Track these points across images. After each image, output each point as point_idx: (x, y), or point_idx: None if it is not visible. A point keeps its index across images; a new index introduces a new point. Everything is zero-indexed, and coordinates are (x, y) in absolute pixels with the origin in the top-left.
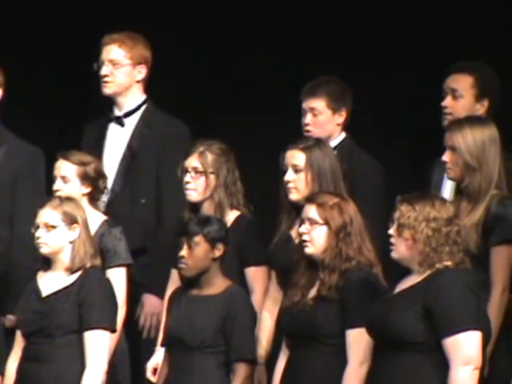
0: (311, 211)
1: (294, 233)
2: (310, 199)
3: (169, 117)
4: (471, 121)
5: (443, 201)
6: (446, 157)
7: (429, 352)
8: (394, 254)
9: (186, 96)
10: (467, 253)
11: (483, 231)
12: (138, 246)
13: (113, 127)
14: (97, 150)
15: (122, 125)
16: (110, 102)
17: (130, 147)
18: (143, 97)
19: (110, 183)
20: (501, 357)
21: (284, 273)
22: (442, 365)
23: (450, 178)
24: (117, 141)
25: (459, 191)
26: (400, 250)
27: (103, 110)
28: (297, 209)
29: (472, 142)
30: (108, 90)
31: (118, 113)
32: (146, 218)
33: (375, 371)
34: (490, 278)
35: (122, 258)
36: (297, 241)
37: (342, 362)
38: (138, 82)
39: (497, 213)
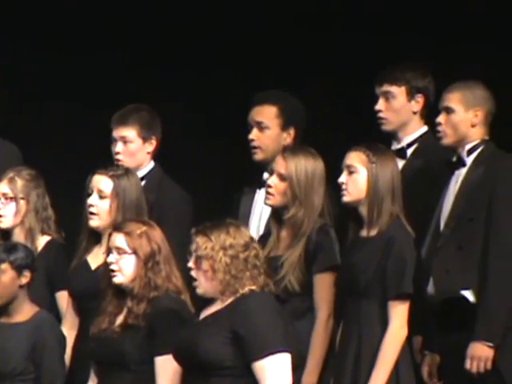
0: (119, 240)
1: (90, 258)
2: (117, 228)
3: (1, 140)
4: (305, 151)
5: (237, 226)
6: (272, 181)
7: (239, 376)
8: (198, 291)
9: None
10: (296, 279)
11: (306, 260)
12: None
13: None
14: None
15: None
16: None
17: None
18: None
19: None
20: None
21: (79, 298)
22: None
23: (269, 205)
24: None
25: (278, 219)
26: (201, 282)
27: None
28: (96, 235)
29: (303, 173)
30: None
31: None
32: None
33: None
34: (314, 305)
35: None
36: (93, 267)
37: None
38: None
39: (318, 241)
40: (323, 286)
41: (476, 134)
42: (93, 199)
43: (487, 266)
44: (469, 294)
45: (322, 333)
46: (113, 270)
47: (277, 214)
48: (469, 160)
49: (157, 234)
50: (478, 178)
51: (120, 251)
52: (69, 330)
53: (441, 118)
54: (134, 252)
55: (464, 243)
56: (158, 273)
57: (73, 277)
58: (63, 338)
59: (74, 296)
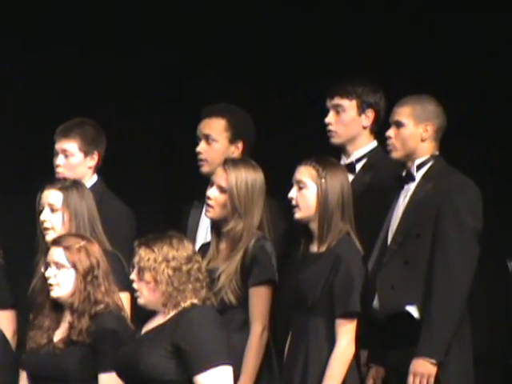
0: (57, 254)
1: (42, 269)
2: (55, 242)
3: None
4: (246, 163)
5: (181, 239)
6: (211, 193)
7: None
8: (139, 301)
9: None
10: (233, 292)
11: (242, 273)
12: None
13: None
14: None
15: None
16: None
17: None
18: None
19: None
20: None
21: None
22: None
23: (209, 217)
24: None
25: (217, 231)
26: (144, 294)
27: None
28: None
29: (244, 185)
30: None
31: None
32: None
33: None
34: (250, 318)
35: None
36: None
37: None
38: None
39: (254, 254)
40: (258, 299)
41: (426, 149)
42: (45, 214)
43: (431, 283)
44: (413, 310)
45: (255, 346)
46: (51, 284)
47: (216, 226)
48: (418, 175)
49: (95, 249)
50: (426, 193)
51: (59, 265)
52: None
53: (391, 132)
54: (73, 266)
55: (410, 259)
56: (97, 287)
57: (35, 296)
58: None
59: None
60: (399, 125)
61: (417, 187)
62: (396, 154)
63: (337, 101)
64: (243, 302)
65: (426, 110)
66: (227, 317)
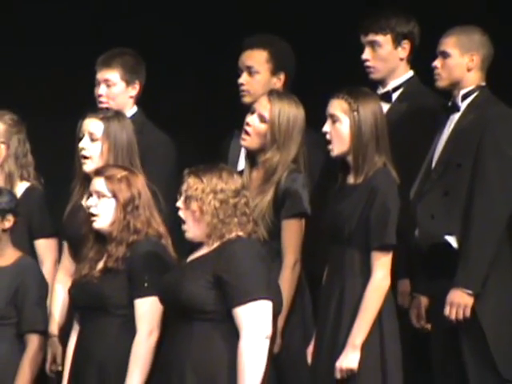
0: (99, 184)
1: (84, 202)
2: (98, 172)
3: None
4: (291, 98)
5: (230, 172)
6: (251, 120)
7: (220, 321)
8: (187, 235)
9: None
10: (265, 226)
11: (275, 206)
12: None
13: None
14: None
15: None
16: None
17: None
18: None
19: None
20: (295, 330)
21: (75, 243)
22: (232, 334)
23: (244, 146)
24: None
25: (252, 160)
26: (188, 223)
27: None
28: (89, 180)
29: (286, 119)
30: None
31: None
32: None
33: (167, 339)
34: (282, 251)
35: None
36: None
37: (132, 331)
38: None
39: (286, 187)
40: (291, 232)
41: (471, 79)
42: (84, 142)
43: (470, 214)
44: (452, 240)
45: (288, 278)
46: (92, 214)
47: (251, 155)
48: (463, 105)
49: (138, 180)
50: (468, 123)
51: (100, 195)
52: (65, 277)
53: (437, 62)
54: (114, 196)
55: (450, 189)
56: (137, 217)
57: (68, 222)
58: (45, 284)
59: (70, 241)
60: (445, 55)
61: (461, 117)
62: (442, 84)
63: (371, 37)
64: (275, 235)
65: (472, 39)
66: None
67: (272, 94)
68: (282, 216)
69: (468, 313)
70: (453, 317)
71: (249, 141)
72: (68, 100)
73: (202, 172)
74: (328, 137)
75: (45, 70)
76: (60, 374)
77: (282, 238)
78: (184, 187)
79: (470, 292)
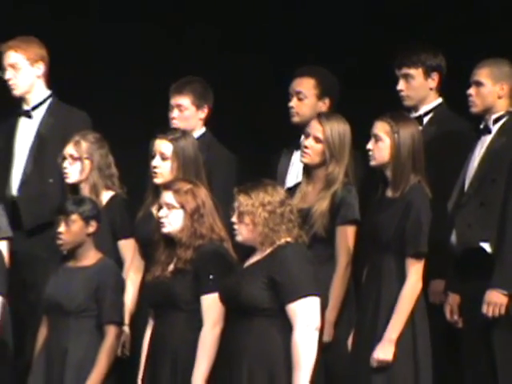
0: (168, 197)
1: (154, 210)
2: (167, 186)
3: (71, 108)
4: (337, 117)
5: (274, 186)
6: (309, 143)
7: (274, 317)
8: (238, 238)
9: None
10: (321, 225)
11: (331, 213)
12: (46, 220)
13: (23, 120)
14: (10, 141)
15: (31, 117)
16: (19, 99)
17: (38, 135)
18: (48, 92)
19: (22, 167)
20: (343, 323)
21: (146, 245)
22: (286, 328)
23: (304, 162)
24: (27, 131)
25: (308, 176)
26: (243, 234)
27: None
28: (159, 190)
29: (337, 135)
30: (15, 91)
31: (26, 107)
32: (53, 196)
33: (228, 334)
34: (336, 254)
35: (4, 231)
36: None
37: (199, 324)
38: (38, 77)
39: (342, 197)
40: (344, 236)
41: (502, 105)
42: (156, 161)
43: (505, 221)
44: (487, 246)
45: (341, 277)
46: (163, 223)
47: (308, 170)
48: (494, 128)
49: (201, 190)
50: (501, 145)
51: (169, 206)
52: (135, 274)
53: (471, 90)
54: (182, 207)
55: (486, 201)
56: (202, 224)
57: (140, 226)
58: (122, 281)
59: (140, 242)
60: (479, 84)
61: (493, 139)
62: (476, 109)
63: (405, 70)
64: (331, 236)
65: (502, 71)
66: (318, 248)
67: (320, 116)
68: (337, 223)
69: (503, 311)
70: (489, 314)
71: (309, 159)
72: (146, 118)
73: (249, 189)
74: (370, 153)
75: (125, 96)
76: (130, 359)
77: (337, 242)
78: (236, 204)
79: (505, 292)
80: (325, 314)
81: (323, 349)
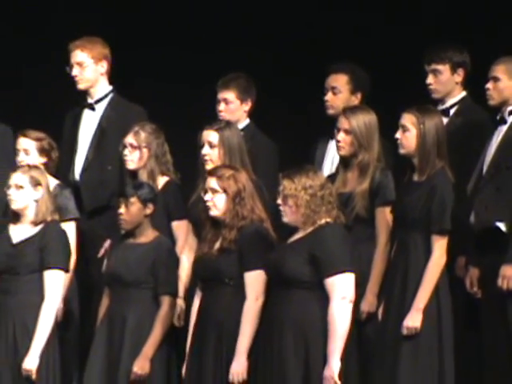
0: (212, 182)
1: (203, 196)
2: (211, 173)
3: (129, 102)
4: (362, 109)
5: (315, 171)
6: (340, 137)
7: (313, 289)
8: (284, 219)
9: None
10: (362, 206)
11: (370, 195)
12: (105, 203)
13: (86, 112)
14: (74, 131)
15: (94, 109)
16: (84, 92)
17: (100, 127)
18: (109, 87)
19: (84, 155)
20: (382, 296)
21: (197, 225)
22: (323, 299)
23: (340, 155)
24: (90, 122)
25: (345, 165)
26: (287, 215)
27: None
28: None
29: (363, 126)
30: (80, 85)
31: (89, 100)
32: (111, 181)
33: (271, 305)
34: (376, 232)
35: (72, 213)
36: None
37: (242, 298)
38: (102, 74)
39: (380, 181)
40: (383, 216)
41: None
42: (205, 149)
43: None
44: (502, 226)
45: (382, 253)
46: (209, 206)
47: (344, 161)
48: (510, 119)
49: (242, 175)
50: None
51: (213, 191)
52: (190, 251)
53: (489, 85)
54: (225, 191)
55: (501, 186)
56: (243, 206)
57: (193, 208)
58: (176, 257)
59: (194, 223)
60: (496, 79)
61: (508, 129)
62: (493, 102)
63: (433, 66)
64: (370, 217)
65: None
66: (359, 228)
67: (346, 111)
68: (376, 204)
69: None
70: (504, 287)
71: (343, 151)
72: (197, 111)
73: (292, 174)
74: (399, 142)
75: (178, 90)
76: (183, 329)
77: (376, 222)
78: (281, 188)
79: None
80: (358, 291)
81: (367, 318)
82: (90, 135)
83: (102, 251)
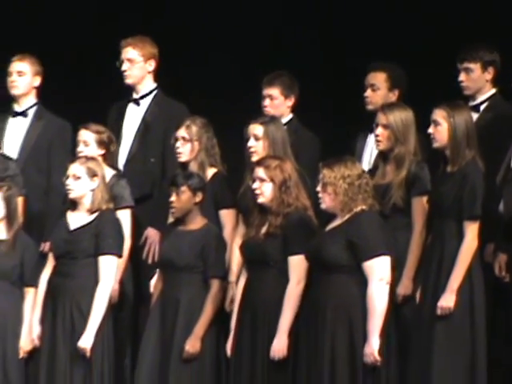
0: (260, 172)
1: (251, 184)
2: (258, 163)
3: (172, 100)
4: (399, 105)
5: (353, 161)
6: (378, 131)
7: (351, 273)
8: (322, 206)
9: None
10: (399, 196)
11: (406, 186)
12: (147, 193)
13: (131, 106)
14: (119, 123)
15: (139, 104)
16: (130, 88)
17: (144, 121)
18: (154, 84)
19: (128, 147)
20: (419, 280)
21: (247, 215)
22: (361, 282)
23: (379, 149)
24: (134, 116)
25: (384, 158)
26: (326, 202)
27: (124, 94)
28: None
29: (400, 121)
30: (128, 80)
31: (135, 95)
32: (154, 173)
33: (312, 288)
34: (412, 221)
35: (127, 201)
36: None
37: (285, 280)
38: (149, 72)
39: (415, 173)
40: (419, 206)
41: None
42: (251, 142)
43: None
44: None
45: (417, 240)
46: (257, 194)
47: (383, 154)
48: None
49: (288, 165)
50: None
51: (261, 180)
52: (240, 239)
53: None
54: (271, 180)
55: None
56: (289, 194)
57: (242, 198)
58: (224, 243)
59: (243, 213)
60: None
61: None
62: None
63: (465, 64)
64: (407, 206)
65: None
66: (396, 217)
67: (383, 108)
68: (413, 194)
69: None
70: None
71: (382, 145)
72: (241, 108)
73: (332, 163)
74: (432, 136)
75: (226, 89)
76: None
77: (413, 211)
78: (321, 176)
79: None
80: (394, 274)
81: (403, 300)
82: (135, 129)
83: (142, 238)
